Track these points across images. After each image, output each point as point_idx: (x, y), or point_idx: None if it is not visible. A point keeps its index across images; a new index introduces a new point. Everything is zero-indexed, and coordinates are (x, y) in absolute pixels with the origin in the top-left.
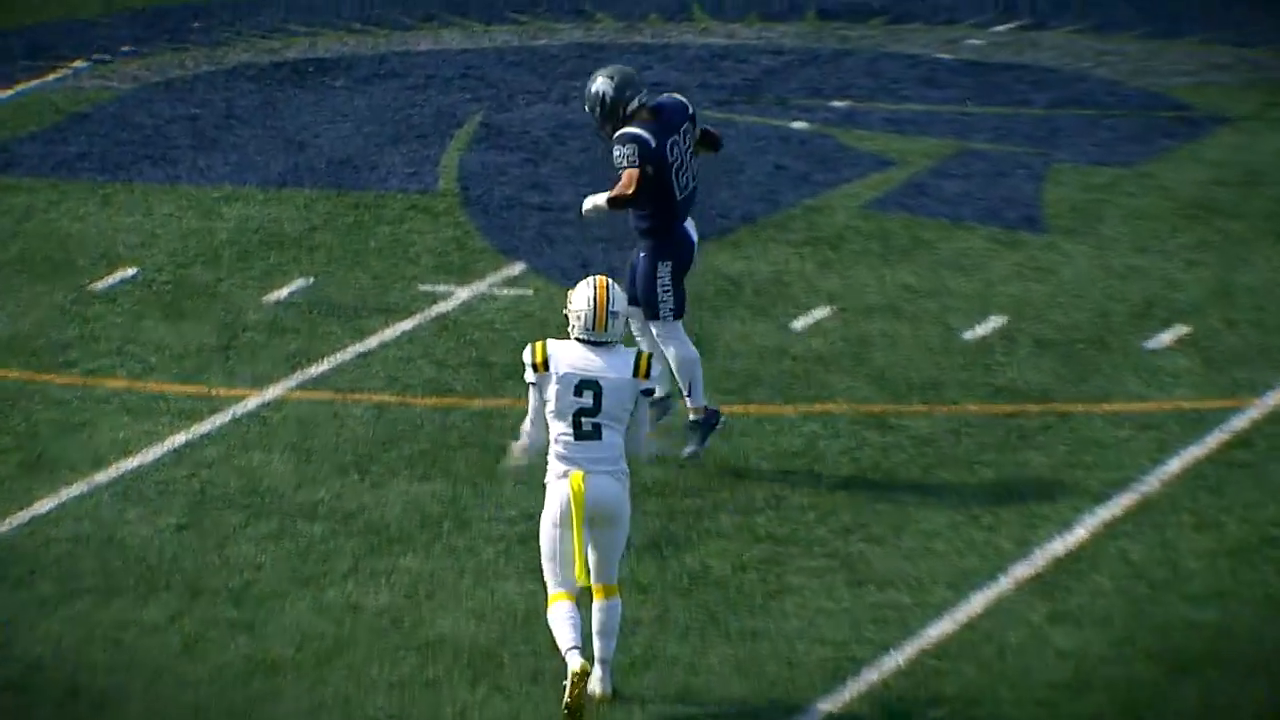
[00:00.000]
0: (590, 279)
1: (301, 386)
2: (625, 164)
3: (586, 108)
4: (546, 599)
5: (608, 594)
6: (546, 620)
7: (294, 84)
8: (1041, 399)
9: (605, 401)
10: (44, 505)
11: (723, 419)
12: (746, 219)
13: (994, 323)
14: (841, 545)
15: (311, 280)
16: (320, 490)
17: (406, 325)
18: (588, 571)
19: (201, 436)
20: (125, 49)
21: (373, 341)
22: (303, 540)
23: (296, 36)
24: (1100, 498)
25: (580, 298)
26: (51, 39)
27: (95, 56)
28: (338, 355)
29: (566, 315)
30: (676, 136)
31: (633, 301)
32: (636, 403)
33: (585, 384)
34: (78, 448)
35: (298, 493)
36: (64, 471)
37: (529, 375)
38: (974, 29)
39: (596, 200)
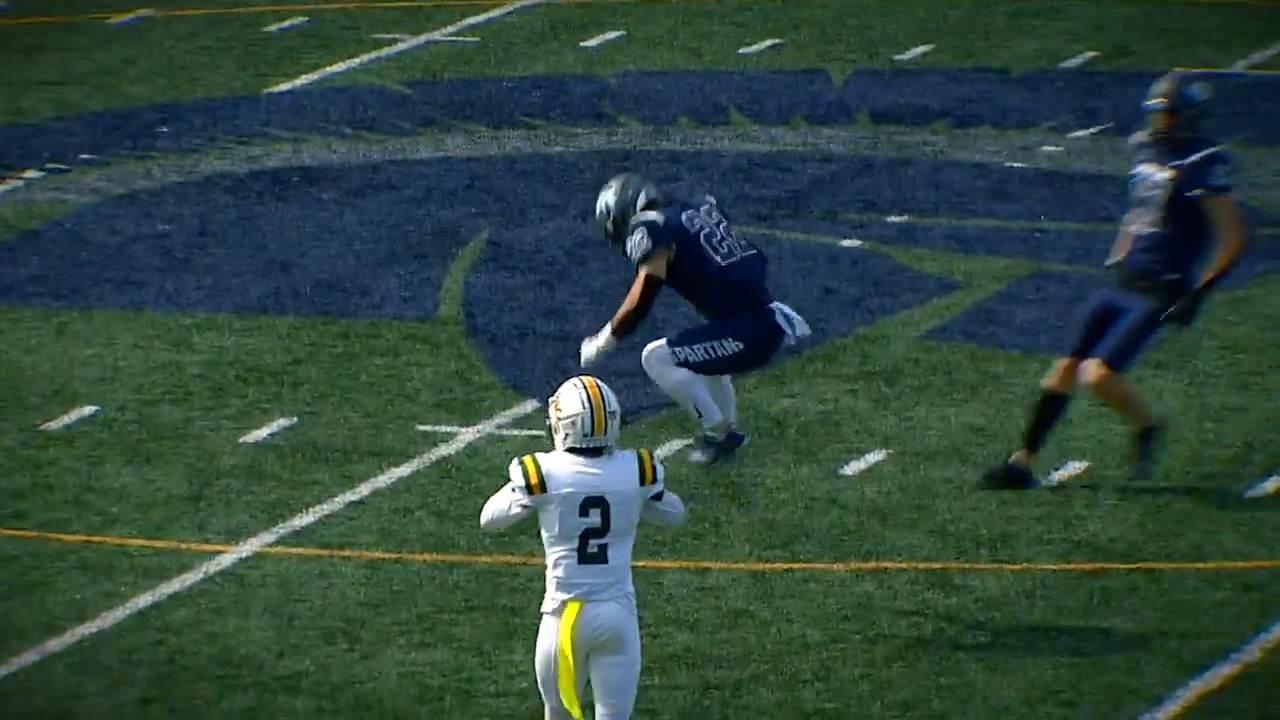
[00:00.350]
0: (576, 380)
1: (283, 541)
2: (638, 254)
3: (598, 230)
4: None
5: None
6: None
7: (276, 196)
8: (1127, 556)
9: (614, 519)
10: None
11: (746, 439)
12: (791, 350)
13: (1073, 469)
14: None
15: (294, 420)
16: (304, 660)
17: (403, 471)
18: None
19: (169, 597)
20: (83, 157)
21: (364, 489)
22: (283, 718)
23: (279, 142)
24: (1195, 669)
25: (572, 401)
26: None
27: (49, 165)
28: (324, 505)
29: (553, 426)
30: (694, 211)
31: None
32: (654, 507)
33: (591, 501)
34: (28, 611)
35: (279, 663)
36: (12, 639)
37: (521, 498)
38: (1049, 134)
39: (597, 340)
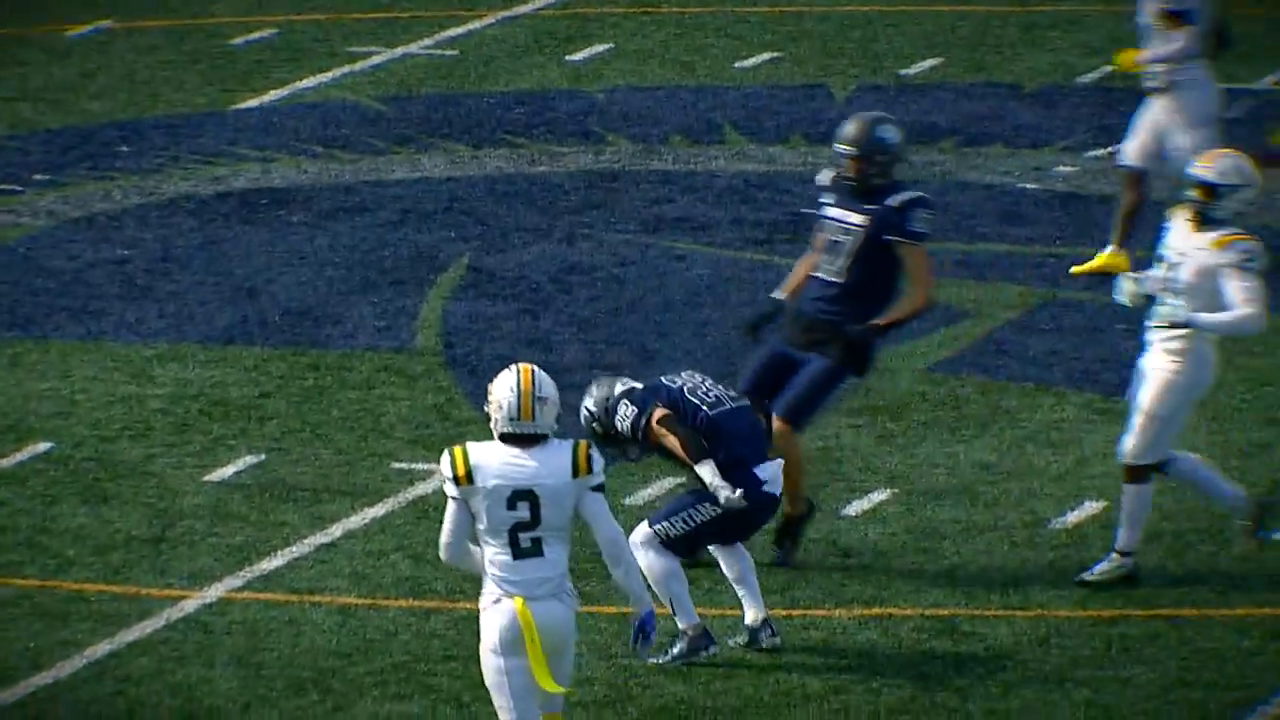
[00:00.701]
0: (513, 366)
1: (250, 586)
2: (630, 422)
3: (589, 437)
4: None
5: None
6: None
7: (243, 219)
8: (1147, 602)
9: (544, 512)
10: None
11: (714, 649)
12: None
13: (1089, 509)
14: None
15: (262, 457)
16: (272, 713)
17: (377, 511)
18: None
19: (129, 646)
20: (38, 177)
21: (336, 531)
22: None
23: (246, 162)
24: None
25: (502, 386)
26: None
27: (1, 186)
28: (294, 548)
29: (486, 412)
30: (673, 375)
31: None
32: (589, 501)
33: (519, 495)
34: None
35: (245, 716)
36: None
37: (449, 489)
38: (1064, 153)
39: (712, 479)
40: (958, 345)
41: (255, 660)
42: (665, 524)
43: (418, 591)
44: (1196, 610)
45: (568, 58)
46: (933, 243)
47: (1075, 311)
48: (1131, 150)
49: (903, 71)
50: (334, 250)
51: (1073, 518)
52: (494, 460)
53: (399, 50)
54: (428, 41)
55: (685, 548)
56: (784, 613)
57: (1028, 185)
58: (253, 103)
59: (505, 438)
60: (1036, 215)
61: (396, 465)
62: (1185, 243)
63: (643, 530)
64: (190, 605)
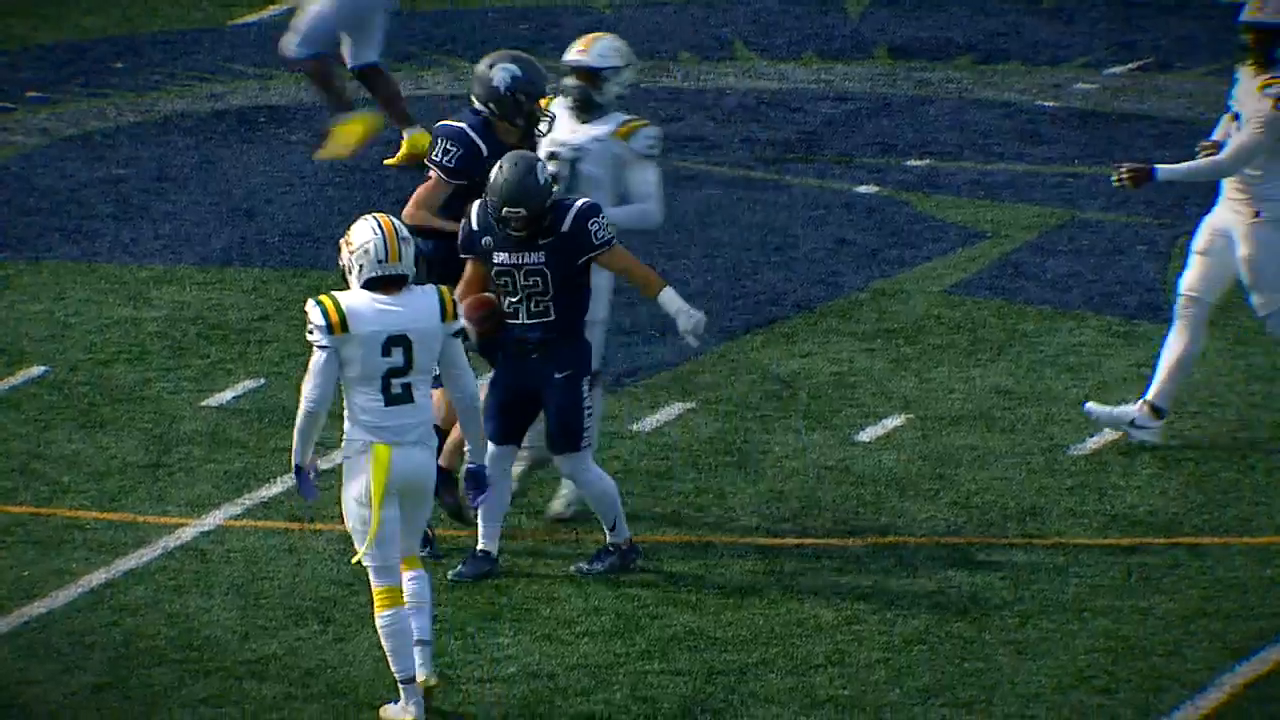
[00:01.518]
0: (365, 216)
1: (249, 514)
2: (607, 234)
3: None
4: (372, 595)
5: (411, 565)
6: (382, 630)
7: (240, 138)
8: (1168, 530)
9: (417, 357)
10: None
11: (639, 559)
12: (802, 306)
13: (1109, 435)
14: (920, 712)
15: (262, 381)
16: (272, 643)
17: None
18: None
19: (125, 575)
20: (31, 95)
21: (337, 457)
22: (250, 705)
23: (244, 79)
24: (1241, 652)
25: (363, 232)
26: None
27: None
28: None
29: (346, 266)
30: None
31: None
32: (451, 348)
33: (394, 340)
34: None
35: (244, 646)
36: None
37: (321, 339)
38: (1083, 70)
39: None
40: (974, 267)
41: (254, 589)
42: (586, 435)
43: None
44: (1218, 538)
45: None
46: (951, 161)
47: (1094, 232)
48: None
49: None
50: (334, 170)
51: (1092, 444)
52: (365, 307)
53: None
54: None
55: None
56: (796, 541)
57: (1045, 103)
58: (251, 18)
59: (371, 284)
60: (1055, 134)
61: None
62: (576, 134)
63: (581, 458)
64: (188, 533)
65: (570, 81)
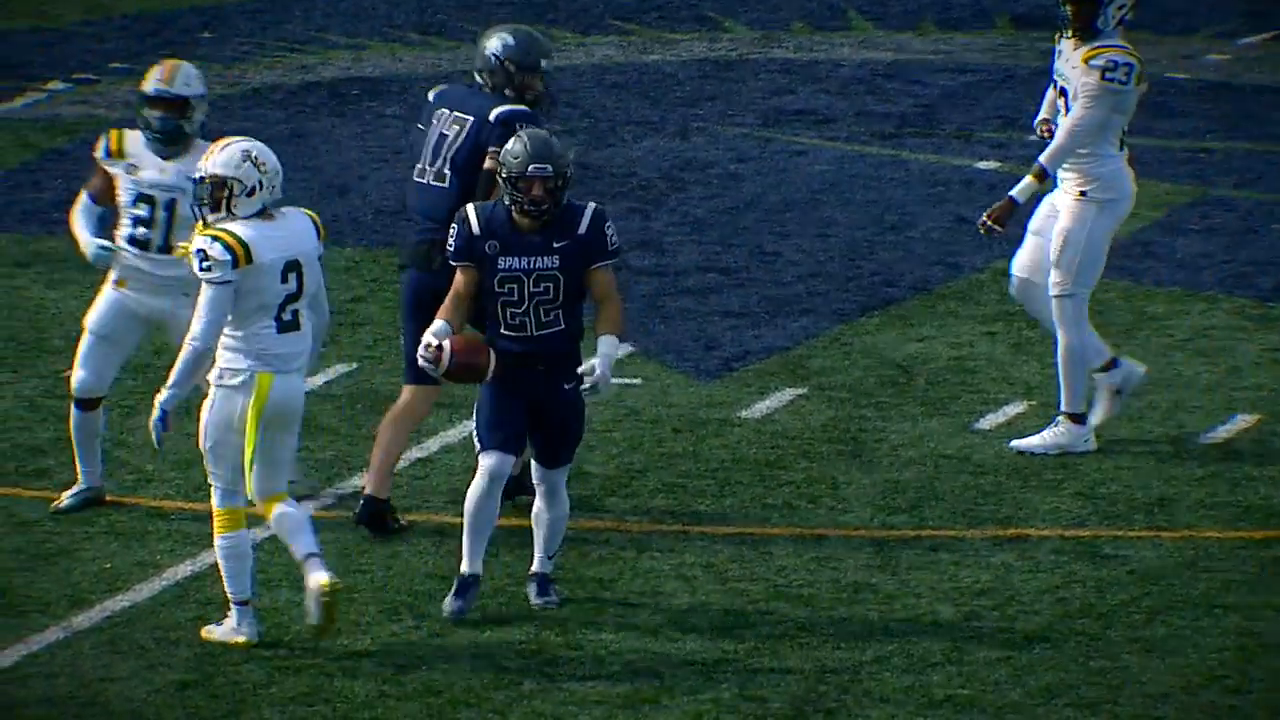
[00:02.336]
0: (228, 144)
1: (340, 504)
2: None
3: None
4: (214, 519)
5: (280, 499)
6: (221, 551)
7: (332, 111)
8: None
9: (306, 280)
10: (7, 658)
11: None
12: (919, 287)
13: (1242, 423)
14: (1043, 712)
15: (354, 366)
16: (365, 639)
17: None
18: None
19: (212, 568)
20: (114, 66)
21: (433, 445)
22: (342, 703)
23: (336, 50)
24: None
25: (238, 162)
26: (19, 53)
27: (76, 76)
28: None
29: (217, 197)
30: None
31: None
32: (318, 270)
33: (290, 266)
34: (52, 583)
35: (335, 642)
36: (34, 614)
37: (225, 274)
38: (1215, 41)
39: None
40: None
41: (347, 584)
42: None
43: (519, 508)
44: None
45: None
46: None
47: (1227, 210)
48: None
49: None
50: None
51: (1223, 432)
52: (260, 236)
53: None
54: None
55: None
56: (913, 533)
57: (1176, 75)
58: None
59: (253, 216)
60: (1185, 107)
61: None
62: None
63: (566, 471)
64: None
65: (153, 113)
